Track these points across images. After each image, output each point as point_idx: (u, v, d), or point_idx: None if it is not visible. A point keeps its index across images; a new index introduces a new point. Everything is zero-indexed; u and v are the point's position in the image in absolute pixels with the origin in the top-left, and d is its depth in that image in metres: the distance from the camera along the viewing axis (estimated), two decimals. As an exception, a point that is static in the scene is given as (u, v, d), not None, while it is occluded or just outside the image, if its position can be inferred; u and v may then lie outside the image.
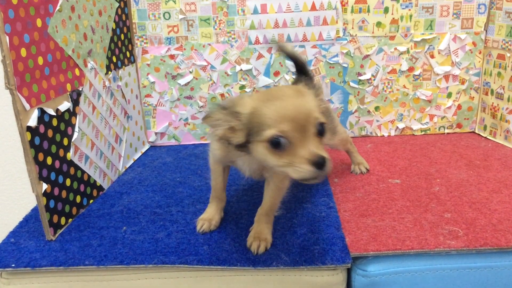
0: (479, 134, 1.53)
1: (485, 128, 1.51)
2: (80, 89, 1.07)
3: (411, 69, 1.50)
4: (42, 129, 0.92)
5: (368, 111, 1.54)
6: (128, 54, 1.40)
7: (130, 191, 1.17)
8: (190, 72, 1.49)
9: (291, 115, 0.71)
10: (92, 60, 1.14)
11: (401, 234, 0.91)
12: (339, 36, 1.46)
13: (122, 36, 1.36)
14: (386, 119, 1.55)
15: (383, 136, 1.56)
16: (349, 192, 1.12)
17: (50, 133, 0.94)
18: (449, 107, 1.53)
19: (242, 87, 1.50)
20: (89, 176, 1.10)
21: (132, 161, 1.40)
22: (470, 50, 1.48)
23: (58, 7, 0.98)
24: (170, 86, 1.50)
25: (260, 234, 0.89)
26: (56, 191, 0.96)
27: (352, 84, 1.51)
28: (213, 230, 0.95)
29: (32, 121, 0.88)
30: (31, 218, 1.03)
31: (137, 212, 1.05)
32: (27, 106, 0.87)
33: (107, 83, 1.22)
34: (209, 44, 1.47)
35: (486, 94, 1.49)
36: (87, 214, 1.05)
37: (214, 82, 1.50)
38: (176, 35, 1.46)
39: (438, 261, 0.87)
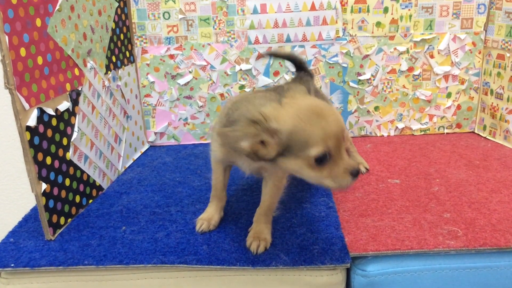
0: (478, 134, 1.53)
1: (484, 128, 1.51)
2: (80, 89, 1.07)
3: (410, 69, 1.50)
4: (41, 128, 0.92)
5: (368, 111, 1.54)
6: (127, 54, 1.40)
7: (129, 191, 1.17)
8: (190, 72, 1.49)
9: (334, 131, 0.74)
10: (91, 60, 1.14)
11: (401, 234, 0.91)
12: (339, 36, 1.47)
13: (122, 36, 1.36)
14: (385, 119, 1.55)
15: (383, 136, 1.56)
16: (349, 192, 1.12)
17: (49, 132, 0.94)
18: (449, 107, 1.53)
19: (242, 87, 1.50)
20: (88, 176, 1.10)
21: (131, 161, 1.40)
22: (469, 50, 1.48)
23: (57, 7, 0.98)
24: (170, 86, 1.50)
25: (260, 234, 0.89)
26: (56, 191, 0.96)
27: (351, 84, 1.51)
28: (212, 230, 0.95)
29: (32, 121, 0.88)
30: (31, 218, 1.03)
31: (136, 212, 1.05)
32: (27, 105, 0.87)
33: (106, 83, 1.22)
34: (209, 44, 1.47)
35: (486, 94, 1.49)
36: (86, 214, 1.05)
37: (213, 82, 1.50)
38: (176, 35, 1.46)
39: (437, 261, 0.87)
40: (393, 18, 1.45)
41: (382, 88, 1.51)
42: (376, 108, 1.54)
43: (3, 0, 0.81)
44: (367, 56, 1.48)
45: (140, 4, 1.43)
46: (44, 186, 0.92)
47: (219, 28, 1.45)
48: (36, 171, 0.90)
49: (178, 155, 1.44)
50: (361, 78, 1.50)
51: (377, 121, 1.55)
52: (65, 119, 1.01)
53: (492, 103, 1.46)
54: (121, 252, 0.88)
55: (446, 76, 1.50)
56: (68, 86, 1.02)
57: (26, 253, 0.89)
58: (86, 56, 1.11)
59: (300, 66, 1.18)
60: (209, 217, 0.96)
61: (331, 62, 1.48)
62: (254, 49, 1.47)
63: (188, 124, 1.54)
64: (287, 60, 1.22)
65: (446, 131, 1.57)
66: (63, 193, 0.99)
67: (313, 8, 1.43)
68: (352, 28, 1.46)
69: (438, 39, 1.47)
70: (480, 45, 1.48)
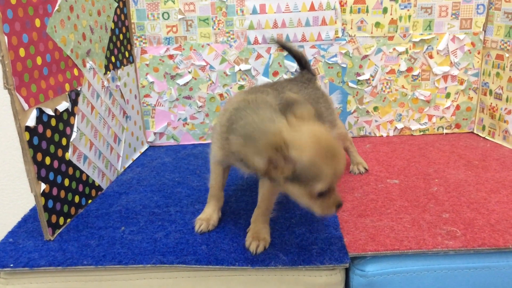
0: (477, 135, 1.54)
1: (483, 128, 1.51)
2: (79, 89, 1.07)
3: (409, 69, 1.50)
4: (40, 129, 0.92)
5: (367, 111, 1.54)
6: (127, 54, 1.40)
7: (128, 191, 1.17)
8: (189, 72, 1.49)
9: (339, 172, 0.80)
10: (90, 60, 1.14)
11: (399, 234, 0.91)
12: (338, 37, 1.47)
13: (121, 36, 1.36)
14: (384, 119, 1.55)
15: (382, 136, 1.57)
16: (348, 192, 1.12)
17: (48, 133, 0.94)
18: (448, 108, 1.54)
19: (241, 87, 1.50)
20: (87, 176, 1.10)
21: (130, 161, 1.40)
22: (468, 50, 1.48)
23: (56, 7, 0.98)
24: (169, 86, 1.50)
25: (259, 234, 0.89)
26: (55, 191, 0.96)
27: (351, 84, 1.51)
28: (211, 230, 0.95)
29: (31, 121, 0.88)
30: (30, 218, 1.04)
31: (135, 212, 1.05)
32: (26, 106, 0.87)
33: (105, 83, 1.22)
34: (208, 44, 1.47)
35: (485, 94, 1.49)
36: (85, 214, 1.05)
37: (213, 82, 1.50)
38: (175, 35, 1.46)
39: (436, 261, 0.87)
40: (392, 18, 1.45)
41: (381, 89, 1.52)
42: (375, 108, 1.54)
43: (2, 0, 0.81)
44: (366, 56, 1.48)
45: (140, 5, 1.43)
46: (43, 186, 0.92)
47: (219, 29, 1.45)
48: (35, 171, 0.90)
49: (177, 155, 1.44)
50: (360, 78, 1.50)
51: (376, 121, 1.55)
52: (64, 119, 1.01)
53: (491, 103, 1.46)
54: (120, 252, 0.88)
55: (445, 77, 1.51)
56: (67, 87, 1.02)
57: (25, 253, 0.89)
58: (85, 57, 1.11)
59: (304, 66, 1.19)
60: (207, 217, 0.97)
61: (330, 62, 1.48)
62: (253, 50, 1.47)
63: (188, 124, 1.54)
64: (292, 56, 1.23)
65: (445, 131, 1.57)
66: (62, 193, 0.99)
67: (312, 8, 1.43)
68: (351, 28, 1.46)
69: (437, 39, 1.47)
70: (479, 45, 1.48)
